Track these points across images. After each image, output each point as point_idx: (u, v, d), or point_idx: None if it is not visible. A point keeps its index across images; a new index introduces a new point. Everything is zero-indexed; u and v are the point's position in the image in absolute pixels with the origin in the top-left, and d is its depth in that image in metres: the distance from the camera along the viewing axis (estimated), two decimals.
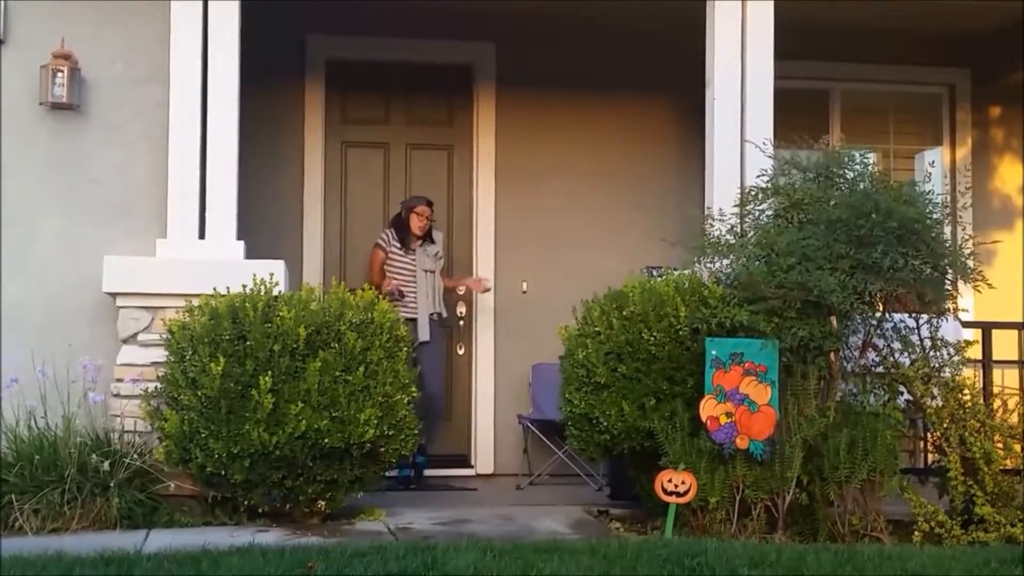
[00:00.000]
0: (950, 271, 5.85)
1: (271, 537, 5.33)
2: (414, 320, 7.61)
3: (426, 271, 7.78)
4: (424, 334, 7.63)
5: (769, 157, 6.33)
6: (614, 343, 5.88)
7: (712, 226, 6.18)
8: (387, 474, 6.52)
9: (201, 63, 6.36)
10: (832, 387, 5.88)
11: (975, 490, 5.72)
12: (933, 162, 8.96)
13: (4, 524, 5.45)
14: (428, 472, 7.80)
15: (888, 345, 5.96)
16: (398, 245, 7.79)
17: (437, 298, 7.83)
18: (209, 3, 6.37)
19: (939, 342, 5.97)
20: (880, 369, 6.00)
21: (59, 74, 6.35)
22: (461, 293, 8.27)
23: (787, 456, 5.56)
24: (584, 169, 8.53)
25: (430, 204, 7.91)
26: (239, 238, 6.34)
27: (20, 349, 6.02)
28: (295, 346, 5.56)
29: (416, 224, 7.79)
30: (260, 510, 5.83)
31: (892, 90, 9.13)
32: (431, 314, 7.73)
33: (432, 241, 7.90)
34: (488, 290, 8.23)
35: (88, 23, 6.53)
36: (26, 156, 6.46)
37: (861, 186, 5.92)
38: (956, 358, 5.98)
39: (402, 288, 7.67)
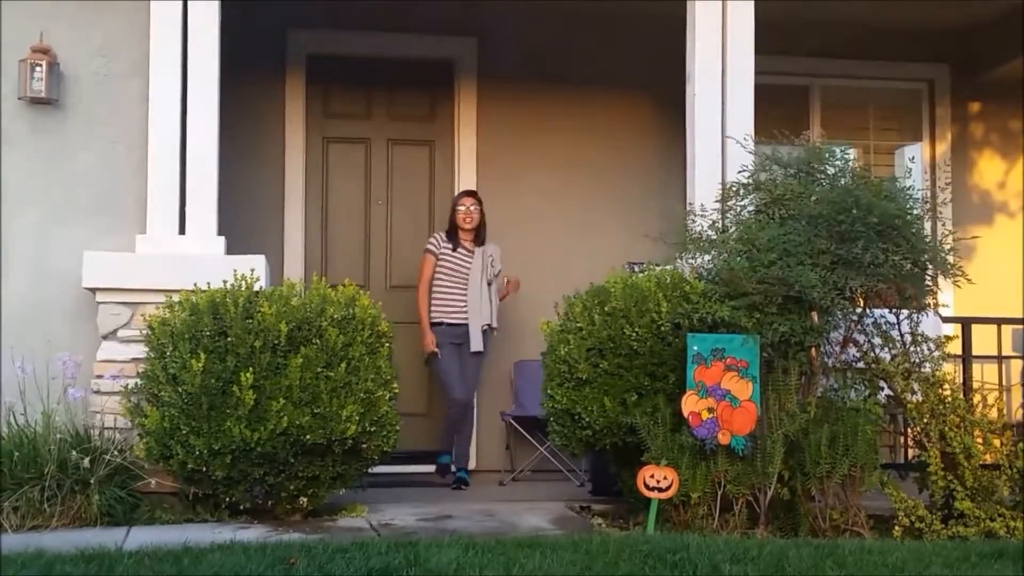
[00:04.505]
0: (930, 266, 5.88)
1: (253, 534, 5.31)
2: (462, 326, 7.46)
3: (483, 276, 7.52)
4: (477, 344, 7.44)
5: (750, 153, 6.35)
6: (596, 339, 5.88)
7: (694, 222, 6.19)
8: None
9: (181, 58, 6.32)
10: (813, 382, 5.90)
11: (955, 485, 5.75)
12: (913, 158, 8.98)
13: None
14: (411, 468, 7.73)
15: (869, 340, 5.98)
16: (450, 246, 7.59)
17: (491, 310, 7.56)
18: None
19: (919, 337, 5.99)
20: (861, 364, 6.02)
21: (37, 68, 6.31)
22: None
23: (768, 451, 5.57)
24: (566, 164, 8.52)
25: (471, 194, 7.72)
26: (219, 233, 6.30)
27: None
28: (276, 342, 5.55)
29: (460, 217, 7.58)
30: (242, 507, 5.81)
31: (872, 86, 9.16)
32: (483, 325, 7.50)
33: (485, 243, 7.66)
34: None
35: (67, 18, 6.47)
36: (4, 151, 6.40)
37: (842, 182, 5.94)
38: (936, 353, 5.99)
39: (448, 290, 7.52)
